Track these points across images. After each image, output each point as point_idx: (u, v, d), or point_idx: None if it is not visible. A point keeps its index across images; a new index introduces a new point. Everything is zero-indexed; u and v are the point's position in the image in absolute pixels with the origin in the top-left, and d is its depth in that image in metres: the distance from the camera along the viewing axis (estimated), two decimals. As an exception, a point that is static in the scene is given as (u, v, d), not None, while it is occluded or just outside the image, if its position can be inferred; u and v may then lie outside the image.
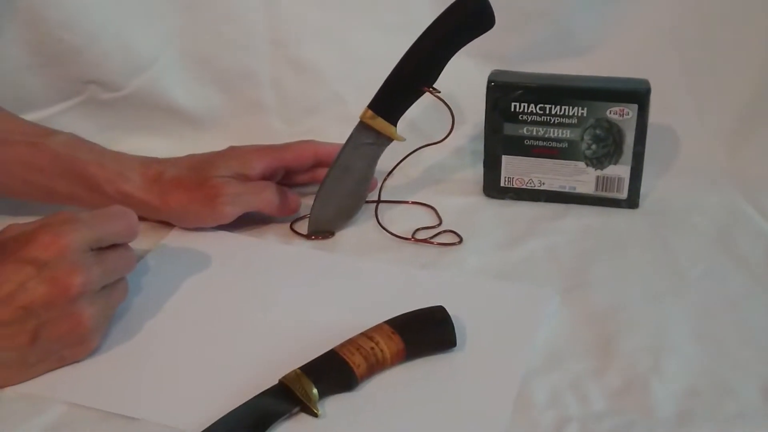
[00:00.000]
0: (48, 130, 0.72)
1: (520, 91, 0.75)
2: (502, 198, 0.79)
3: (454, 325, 0.59)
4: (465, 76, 0.80)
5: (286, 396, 0.54)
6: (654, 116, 0.76)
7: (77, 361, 0.58)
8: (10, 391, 0.56)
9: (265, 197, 0.73)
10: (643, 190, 0.77)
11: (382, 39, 0.91)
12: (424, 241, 0.73)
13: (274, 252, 0.72)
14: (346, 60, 0.91)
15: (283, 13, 0.89)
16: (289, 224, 0.75)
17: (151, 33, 0.84)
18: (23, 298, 0.54)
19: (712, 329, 0.62)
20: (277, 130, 0.90)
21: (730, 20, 0.86)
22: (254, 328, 0.62)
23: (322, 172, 0.75)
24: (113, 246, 0.59)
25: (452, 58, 0.70)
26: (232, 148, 0.75)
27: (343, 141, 0.74)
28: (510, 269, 0.69)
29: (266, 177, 0.74)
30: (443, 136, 0.73)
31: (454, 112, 0.71)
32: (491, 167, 0.78)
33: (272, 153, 0.75)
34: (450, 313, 0.59)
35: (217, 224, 0.73)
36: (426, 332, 0.59)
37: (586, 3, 0.88)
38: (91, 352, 0.59)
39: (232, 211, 0.72)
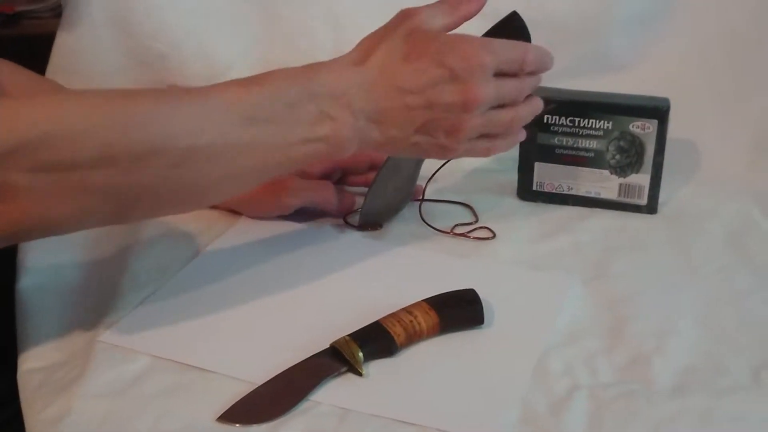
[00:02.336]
0: None
1: (552, 105, 0.83)
2: (534, 201, 0.88)
3: (483, 306, 0.67)
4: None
5: (337, 358, 0.63)
6: (678, 131, 0.84)
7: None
8: (102, 344, 0.66)
9: (325, 195, 0.82)
10: (662, 198, 0.84)
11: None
12: (462, 235, 0.81)
13: (330, 239, 0.81)
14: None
15: (346, 27, 0.98)
16: (342, 217, 0.85)
17: (229, 42, 0.95)
18: (432, 95, 0.64)
19: (714, 318, 0.69)
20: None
21: (754, 42, 0.94)
22: (311, 301, 0.72)
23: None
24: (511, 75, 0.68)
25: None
26: None
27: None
28: (538, 261, 0.78)
29: (325, 176, 0.84)
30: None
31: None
32: (525, 172, 0.87)
33: None
34: (480, 296, 0.68)
35: (279, 214, 0.82)
36: (458, 310, 0.68)
37: (622, 26, 0.97)
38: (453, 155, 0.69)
39: (293, 203, 0.81)
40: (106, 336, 0.67)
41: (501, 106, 0.68)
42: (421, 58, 0.65)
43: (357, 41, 1.00)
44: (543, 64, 0.70)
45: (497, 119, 0.68)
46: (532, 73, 0.69)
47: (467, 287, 0.69)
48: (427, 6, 0.69)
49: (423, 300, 0.67)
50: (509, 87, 0.68)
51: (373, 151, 0.73)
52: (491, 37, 0.73)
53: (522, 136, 0.73)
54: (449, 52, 0.65)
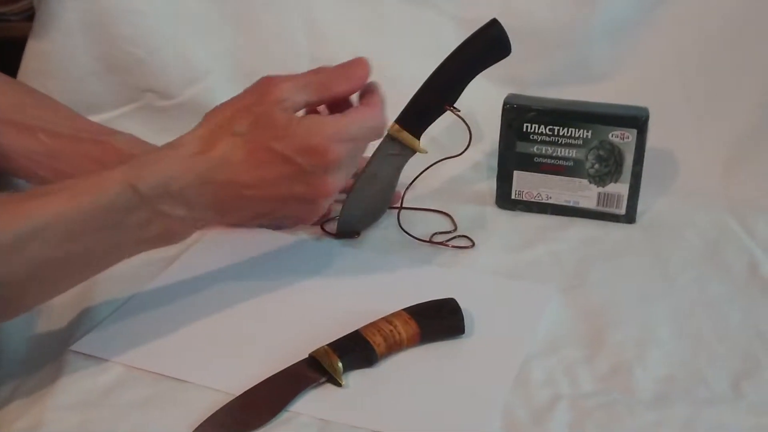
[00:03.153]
0: (112, 130, 0.81)
1: (532, 113, 0.83)
2: (513, 209, 0.87)
3: (464, 315, 0.67)
4: (485, 98, 0.88)
5: (316, 368, 0.62)
6: (656, 141, 0.84)
7: None
8: (74, 354, 0.65)
9: None
10: (640, 207, 0.84)
11: (413, 61, 0.99)
12: (440, 243, 0.81)
13: (307, 247, 0.80)
14: (379, 78, 0.99)
15: (325, 34, 0.98)
16: (320, 225, 0.84)
17: (206, 49, 0.94)
18: (277, 190, 0.64)
19: (692, 327, 0.70)
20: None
21: (729, 51, 0.94)
22: (289, 311, 0.71)
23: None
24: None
25: (475, 81, 0.78)
26: None
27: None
28: (517, 270, 0.77)
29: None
30: (461, 151, 0.81)
31: (472, 129, 0.79)
32: (504, 181, 0.87)
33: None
34: (460, 305, 0.67)
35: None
36: (438, 320, 0.67)
37: (601, 35, 0.97)
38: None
39: None
40: (78, 345, 0.66)
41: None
42: (266, 153, 0.63)
43: (335, 49, 1.01)
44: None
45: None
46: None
47: (446, 294, 0.68)
48: (294, 78, 0.66)
49: (403, 309, 0.67)
50: (362, 151, 0.69)
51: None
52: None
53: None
54: (297, 148, 0.63)
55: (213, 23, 0.94)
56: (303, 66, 0.98)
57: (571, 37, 0.97)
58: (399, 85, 0.99)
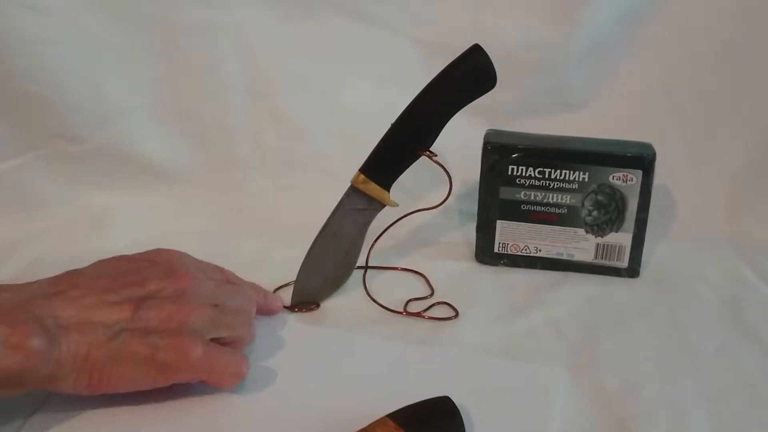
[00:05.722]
0: None
1: (518, 154, 0.71)
2: (496, 264, 0.75)
3: (462, 415, 0.54)
4: (453, 130, 0.76)
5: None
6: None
7: None
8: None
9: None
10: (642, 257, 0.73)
11: (367, 89, 0.87)
12: (417, 314, 0.68)
13: (255, 327, 0.66)
14: (329, 111, 0.87)
15: (261, 62, 0.84)
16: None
17: (123, 84, 0.79)
18: None
19: (728, 412, 0.58)
20: (257, 187, 0.84)
21: (726, 75, 0.84)
22: (231, 414, 0.56)
23: None
24: None
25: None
26: None
27: (328, 196, 0.68)
28: (512, 345, 0.64)
29: None
30: (440, 202, 0.68)
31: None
32: (485, 232, 0.74)
33: None
34: (456, 400, 0.54)
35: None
36: (434, 426, 0.54)
37: (580, 57, 0.85)
38: None
39: None
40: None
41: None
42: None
43: (273, 77, 0.87)
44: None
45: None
46: None
47: (434, 385, 0.55)
48: (208, 311, 0.56)
49: (387, 416, 0.53)
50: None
51: None
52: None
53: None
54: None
55: (129, 52, 0.79)
56: (237, 100, 0.85)
57: (546, 60, 0.86)
58: (353, 118, 0.87)
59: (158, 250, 0.59)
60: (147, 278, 0.55)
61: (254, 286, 0.65)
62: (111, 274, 0.55)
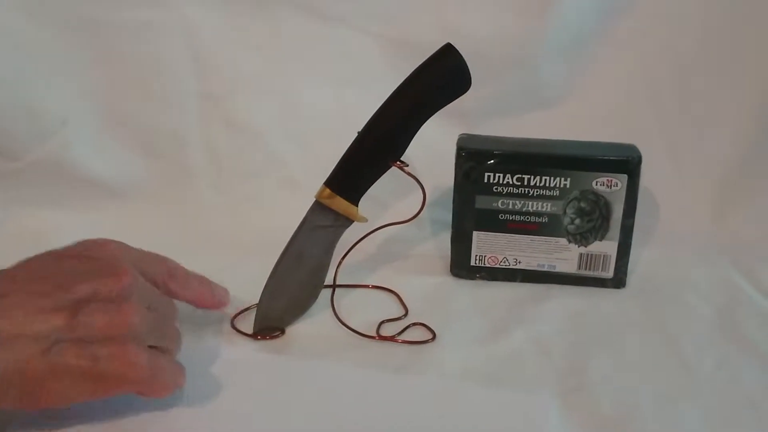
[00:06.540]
0: None
1: (494, 160, 0.66)
2: (472, 278, 0.70)
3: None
4: (420, 133, 0.71)
5: None
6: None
7: None
8: None
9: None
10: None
11: (326, 92, 0.81)
12: (391, 338, 0.62)
13: (214, 357, 0.60)
14: (286, 116, 0.81)
15: (214, 64, 0.78)
16: (230, 321, 0.63)
17: (60, 91, 0.72)
18: None
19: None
20: (211, 199, 0.78)
21: (707, 70, 0.80)
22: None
23: None
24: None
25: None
26: None
27: (288, 207, 0.63)
28: (495, 369, 0.59)
29: None
30: (409, 211, 0.63)
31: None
32: (460, 243, 0.69)
33: None
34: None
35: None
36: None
37: (554, 52, 0.80)
38: None
39: None
40: None
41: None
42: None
43: (227, 79, 0.80)
44: None
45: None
46: None
47: (415, 419, 0.52)
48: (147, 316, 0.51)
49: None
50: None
51: None
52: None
53: None
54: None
55: (67, 59, 0.72)
56: (190, 105, 0.78)
57: (518, 55, 0.81)
58: (311, 122, 0.81)
59: (94, 241, 0.53)
60: (83, 279, 0.49)
61: (201, 279, 0.60)
62: (43, 275, 0.49)
